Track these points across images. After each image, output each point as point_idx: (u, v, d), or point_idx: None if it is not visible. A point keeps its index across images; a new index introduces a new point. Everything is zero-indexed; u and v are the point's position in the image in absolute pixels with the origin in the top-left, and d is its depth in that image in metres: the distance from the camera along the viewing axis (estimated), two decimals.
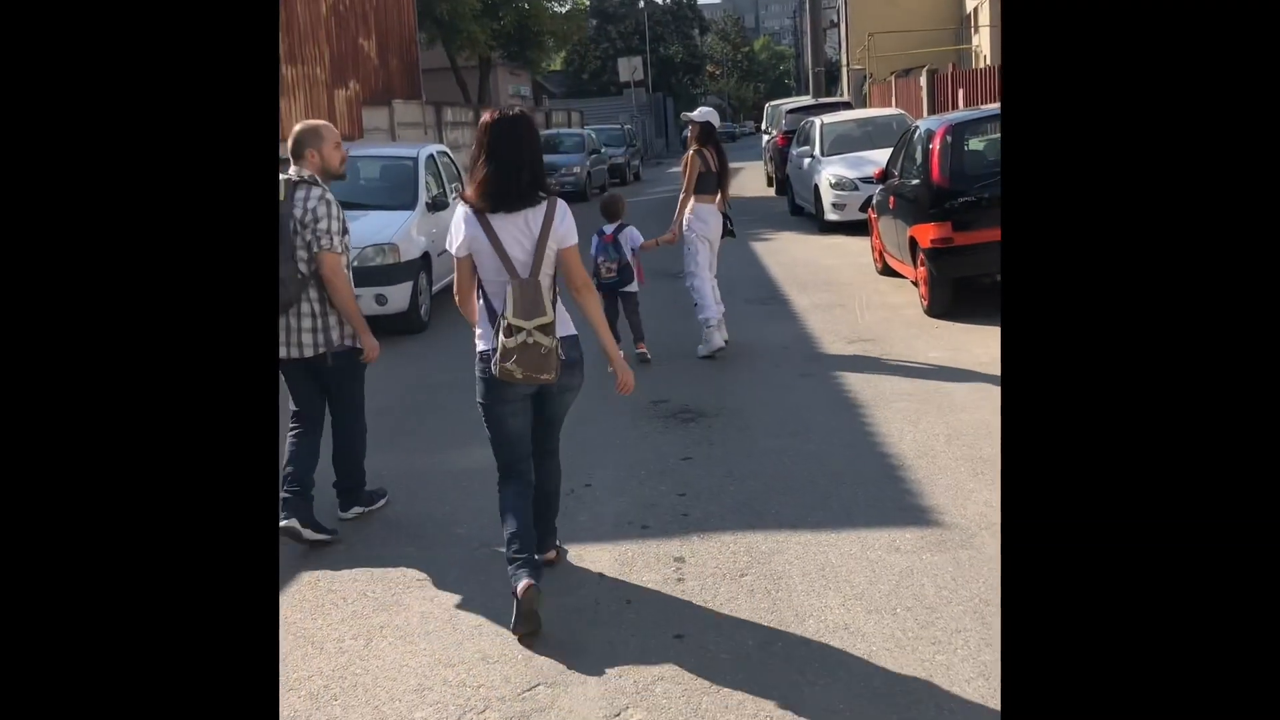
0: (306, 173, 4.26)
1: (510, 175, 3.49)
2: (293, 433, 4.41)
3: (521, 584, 3.48)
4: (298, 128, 4.38)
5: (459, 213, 3.58)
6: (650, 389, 6.60)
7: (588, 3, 26.00)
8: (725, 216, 7.45)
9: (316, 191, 4.22)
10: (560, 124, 30.55)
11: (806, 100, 24.86)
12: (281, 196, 4.12)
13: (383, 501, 4.79)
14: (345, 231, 4.30)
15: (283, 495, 4.22)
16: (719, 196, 7.35)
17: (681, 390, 6.56)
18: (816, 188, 14.81)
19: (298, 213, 4.17)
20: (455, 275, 3.67)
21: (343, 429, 4.54)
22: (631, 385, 3.76)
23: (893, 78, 24.22)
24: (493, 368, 3.51)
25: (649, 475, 5.04)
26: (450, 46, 22.55)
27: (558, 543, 4.12)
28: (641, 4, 61.05)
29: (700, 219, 7.30)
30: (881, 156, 13.69)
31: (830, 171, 14.42)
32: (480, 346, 3.64)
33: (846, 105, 21.65)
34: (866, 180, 13.78)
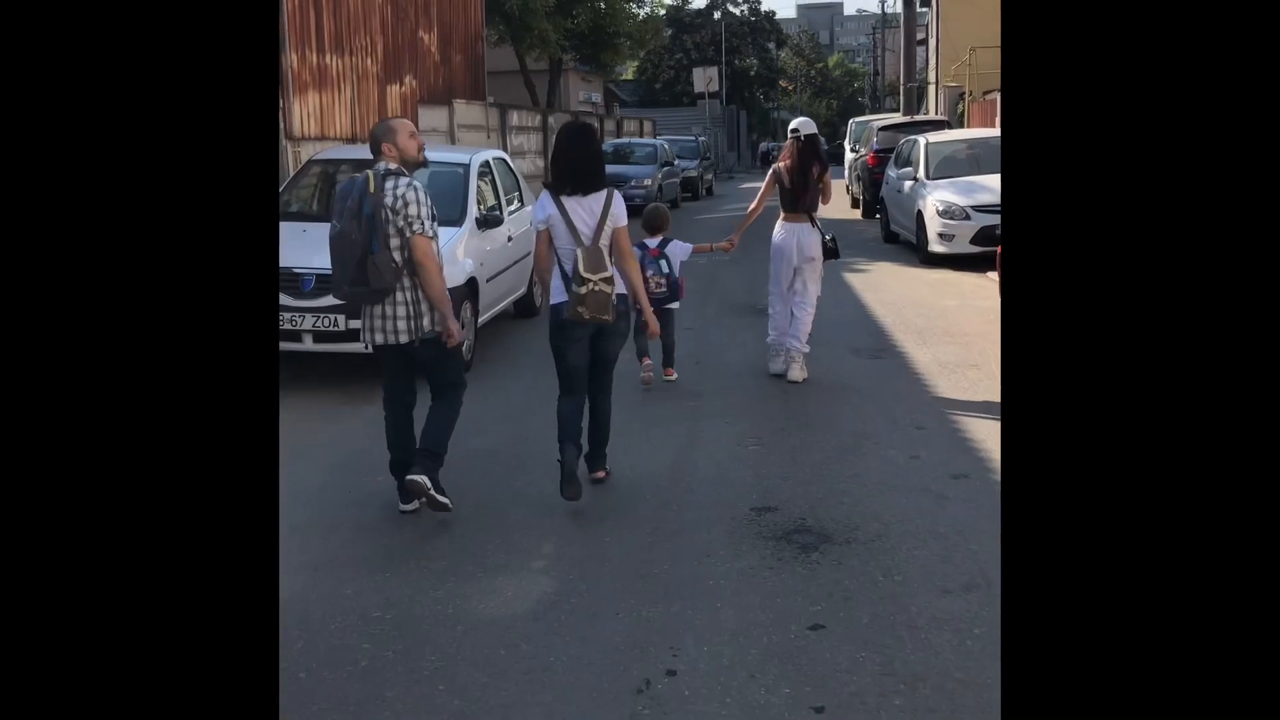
0: (392, 165, 4.42)
1: (579, 168, 4.68)
2: (388, 416, 4.75)
3: (568, 453, 4.69)
4: (378, 125, 4.64)
5: (542, 195, 4.74)
6: (750, 484, 4.98)
7: (666, 4, 24.29)
8: (825, 238, 6.97)
9: (404, 180, 4.38)
10: (632, 133, 28.99)
11: (897, 118, 23.09)
12: (372, 188, 4.32)
13: (445, 499, 4.65)
14: (434, 218, 4.48)
15: (398, 474, 4.63)
16: (807, 215, 6.92)
17: (791, 490, 4.91)
18: (920, 214, 13.07)
19: (389, 200, 4.33)
20: (535, 245, 4.88)
21: (442, 401, 4.69)
22: (657, 330, 5.08)
23: (990, 97, 22.34)
24: (564, 311, 4.60)
25: (761, 657, 3.37)
26: (519, 45, 20.96)
27: (606, 467, 5.12)
28: (718, 15, 59.83)
29: (776, 240, 7.04)
30: (996, 183, 12.05)
31: (937, 197, 12.68)
32: (553, 300, 4.73)
33: (944, 124, 19.88)
34: (980, 209, 12.07)
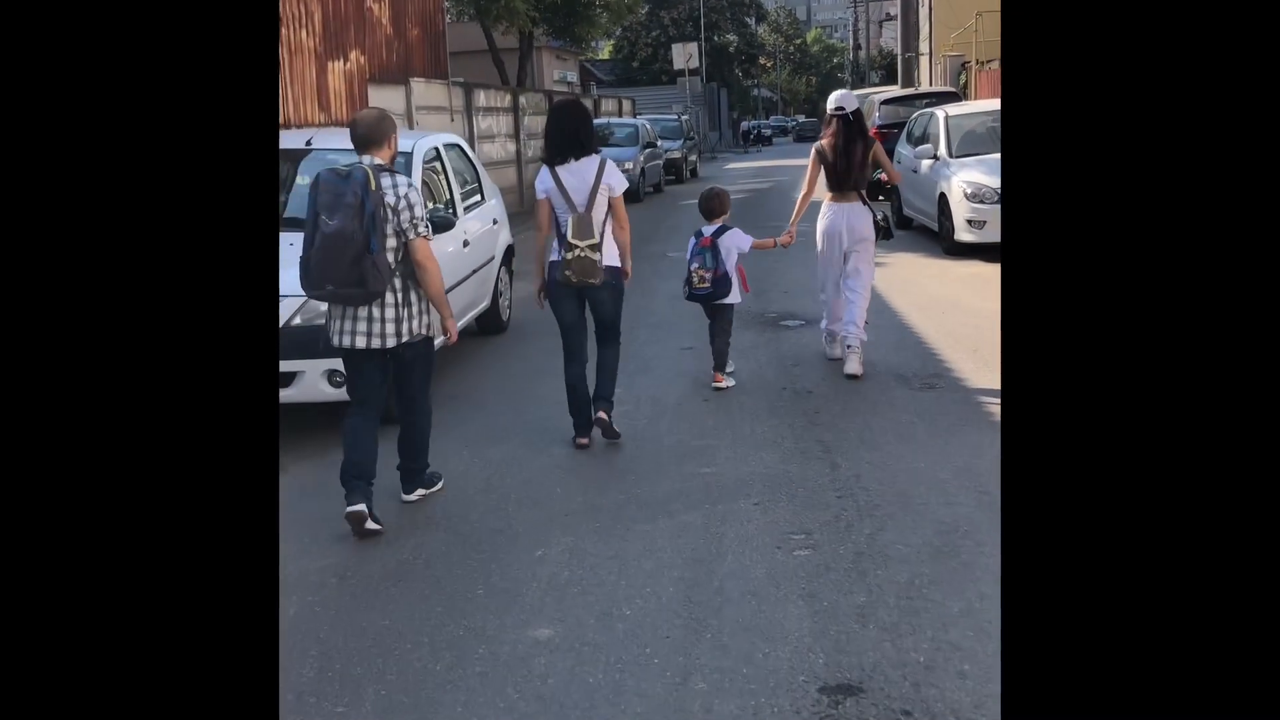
0: (381, 161, 4.27)
1: (569, 136, 5.10)
2: (352, 420, 4.44)
3: (580, 430, 5.38)
4: (370, 114, 4.43)
5: (541, 170, 5.16)
6: (810, 636, 3.30)
7: None
8: (876, 216, 6.59)
9: (403, 179, 4.26)
10: (611, 112, 27.14)
11: (897, 90, 21.42)
12: (374, 185, 4.11)
13: (440, 484, 4.84)
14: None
15: (350, 482, 4.32)
16: (858, 193, 6.54)
17: (876, 648, 3.23)
18: (943, 198, 11.40)
19: (390, 199, 4.18)
20: (536, 213, 5.29)
21: (410, 412, 4.61)
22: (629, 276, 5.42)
23: (996, 65, 20.69)
24: (555, 273, 5.13)
25: None
26: (486, 18, 18.99)
27: (609, 413, 5.44)
28: None
29: (824, 221, 6.62)
30: None
31: (964, 178, 11.01)
32: (550, 259, 5.22)
33: (955, 95, 18.16)
34: None
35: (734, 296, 6.29)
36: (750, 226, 7.18)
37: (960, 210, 10.96)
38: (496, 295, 8.19)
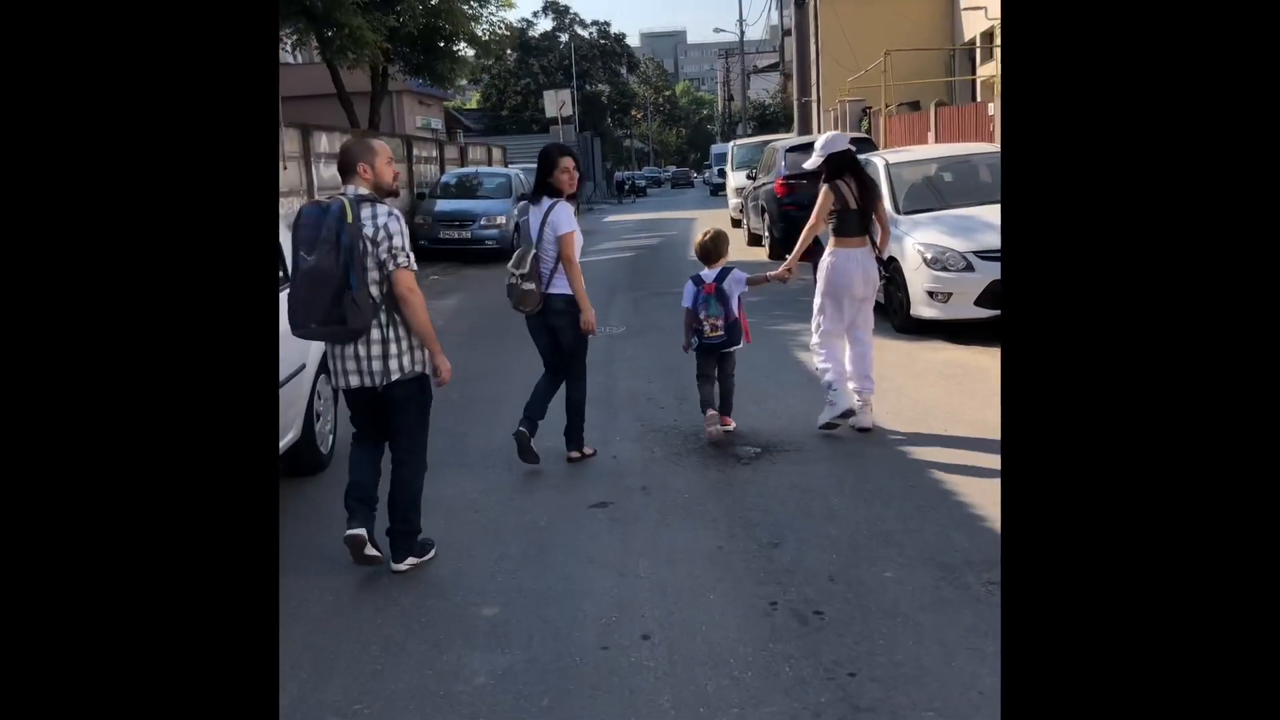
0: (365, 190, 4.09)
1: (535, 181, 5.59)
2: (355, 449, 4.39)
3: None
4: (348, 141, 4.47)
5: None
6: None
7: (509, 21, 19.53)
8: (881, 264, 6.21)
9: (383, 208, 4.07)
10: (479, 161, 24.57)
11: (794, 138, 19.50)
12: (350, 217, 3.95)
13: (432, 553, 4.49)
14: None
15: (351, 505, 4.27)
16: (869, 238, 6.15)
17: None
18: (893, 264, 9.28)
19: (369, 231, 4.01)
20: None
21: (401, 465, 4.35)
22: (594, 325, 5.52)
23: (906, 109, 19.02)
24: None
25: None
26: (327, 49, 16.10)
27: (581, 450, 5.76)
28: (565, 37, 56.25)
29: (838, 269, 6.08)
30: (993, 215, 8.51)
31: (921, 240, 8.93)
32: (507, 285, 5.59)
33: (867, 142, 16.30)
34: (986, 255, 8.34)
35: (739, 344, 6.02)
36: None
37: (918, 280, 8.83)
38: (310, 420, 5.58)
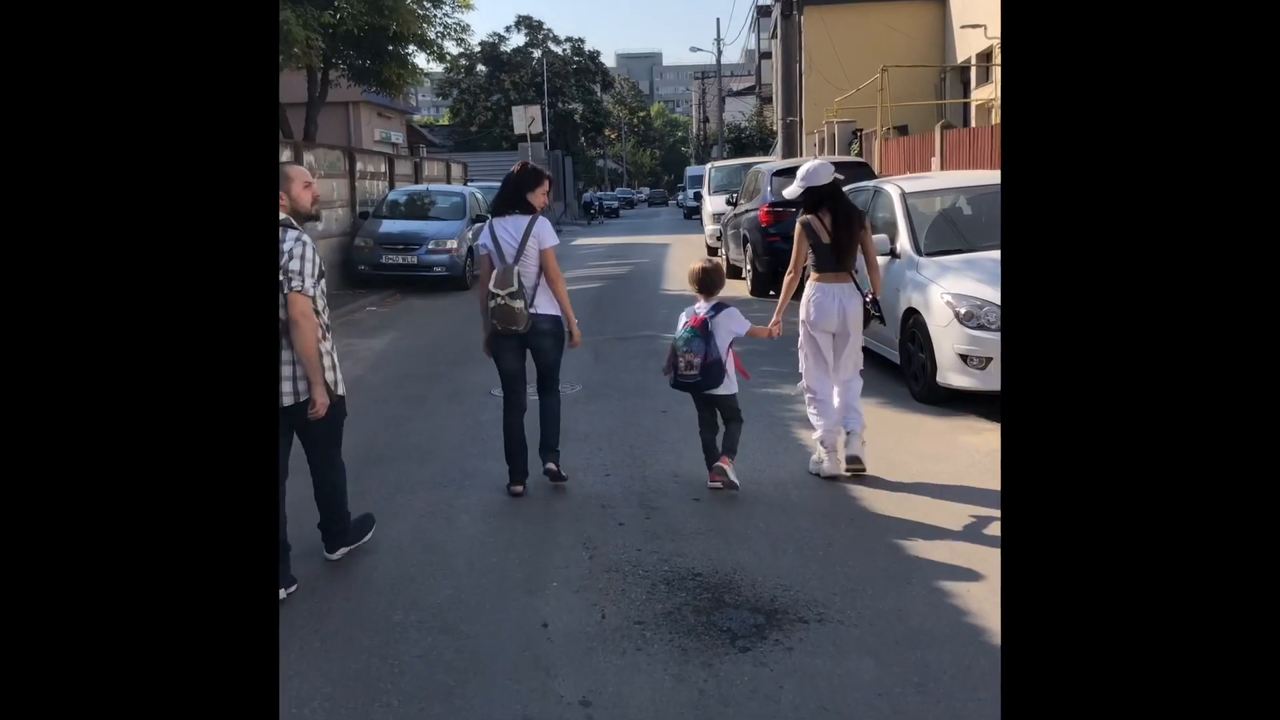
0: (281, 215, 4.16)
1: (508, 193, 5.47)
2: None
3: (514, 476, 5.48)
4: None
5: (483, 228, 5.52)
6: None
7: (470, 6, 17.52)
8: (865, 298, 5.78)
9: (293, 233, 4.18)
10: (435, 178, 22.63)
11: (782, 160, 17.77)
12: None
13: (369, 535, 4.76)
14: (323, 275, 4.27)
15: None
16: (851, 274, 5.80)
17: None
18: (914, 318, 7.50)
19: (283, 258, 4.09)
20: (480, 269, 5.54)
21: (321, 470, 4.50)
22: (579, 342, 5.58)
23: (902, 133, 17.33)
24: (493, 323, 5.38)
25: None
26: None
27: (558, 464, 5.59)
28: (538, 53, 54.57)
29: (817, 305, 5.80)
30: None
31: (949, 290, 7.15)
32: (491, 306, 5.33)
33: (863, 166, 14.56)
34: None
35: (729, 386, 5.43)
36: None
37: (947, 339, 7.04)
38: None
